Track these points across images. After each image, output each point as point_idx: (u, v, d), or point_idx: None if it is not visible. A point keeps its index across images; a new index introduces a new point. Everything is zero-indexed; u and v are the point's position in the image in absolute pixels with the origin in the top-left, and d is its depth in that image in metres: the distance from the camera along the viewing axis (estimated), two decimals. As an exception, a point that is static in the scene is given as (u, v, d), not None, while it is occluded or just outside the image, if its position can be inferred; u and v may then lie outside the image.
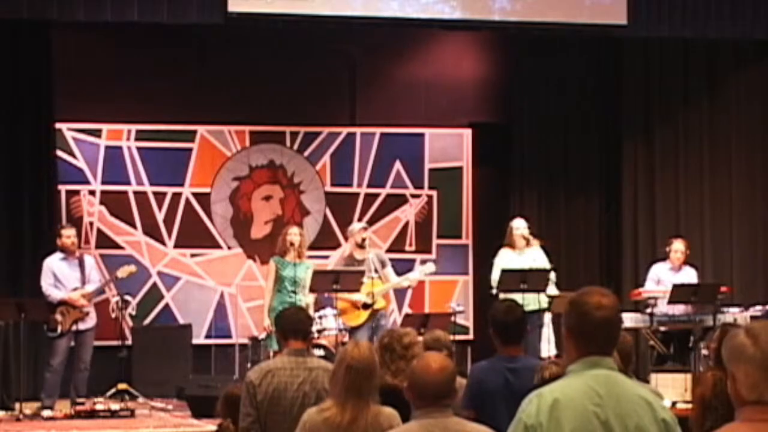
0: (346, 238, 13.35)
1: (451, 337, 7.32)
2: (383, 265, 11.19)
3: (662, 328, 11.65)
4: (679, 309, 11.69)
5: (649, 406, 3.41)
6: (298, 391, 5.49)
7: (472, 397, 5.80)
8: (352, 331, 11.04)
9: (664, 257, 12.12)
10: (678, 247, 11.98)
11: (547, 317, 11.58)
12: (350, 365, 4.70)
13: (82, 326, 10.99)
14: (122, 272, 11.40)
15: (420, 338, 6.46)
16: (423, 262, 12.82)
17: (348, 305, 11.02)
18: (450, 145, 13.90)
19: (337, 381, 4.74)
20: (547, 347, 11.50)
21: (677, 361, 11.56)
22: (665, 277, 11.87)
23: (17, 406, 10.74)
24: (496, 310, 5.96)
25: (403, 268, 12.35)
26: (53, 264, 11.08)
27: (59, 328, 10.88)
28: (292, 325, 5.71)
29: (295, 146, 13.56)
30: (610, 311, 3.45)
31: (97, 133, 13.10)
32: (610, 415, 3.34)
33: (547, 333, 11.56)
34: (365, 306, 11.03)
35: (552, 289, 11.39)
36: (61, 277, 11.04)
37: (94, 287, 11.15)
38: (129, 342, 12.29)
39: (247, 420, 5.50)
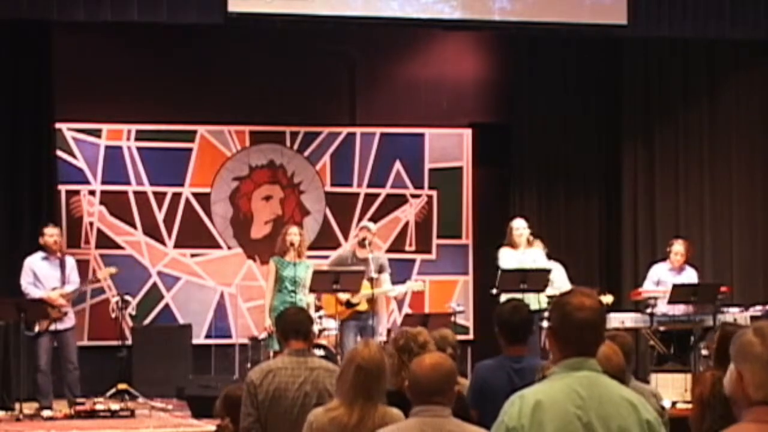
0: (346, 238, 13.38)
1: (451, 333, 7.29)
2: (381, 270, 11.16)
3: (662, 328, 11.64)
4: (679, 309, 11.69)
5: (633, 408, 3.40)
6: (299, 391, 5.49)
7: (475, 396, 5.79)
8: (340, 325, 11.06)
9: (664, 258, 12.13)
10: (678, 249, 11.97)
11: None
12: (360, 366, 4.67)
13: (60, 326, 10.93)
14: (102, 273, 11.39)
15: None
16: (422, 266, 12.86)
17: (332, 298, 11.06)
18: (450, 145, 13.89)
19: (345, 381, 4.71)
20: None
21: (677, 361, 11.56)
22: (665, 277, 11.87)
23: (17, 406, 10.72)
24: (502, 310, 5.96)
25: (403, 267, 12.37)
26: (34, 263, 11.04)
27: (36, 328, 10.84)
28: (293, 326, 5.70)
29: (295, 146, 13.56)
30: (591, 312, 3.43)
31: (97, 133, 13.10)
32: (593, 417, 3.32)
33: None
34: (348, 304, 11.04)
35: (566, 284, 11.42)
36: (41, 276, 11.00)
37: (73, 288, 11.11)
38: (129, 342, 12.28)
39: (248, 420, 5.49)
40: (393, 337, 5.91)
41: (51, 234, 11.10)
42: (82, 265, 12.35)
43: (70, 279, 11.12)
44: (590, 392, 3.35)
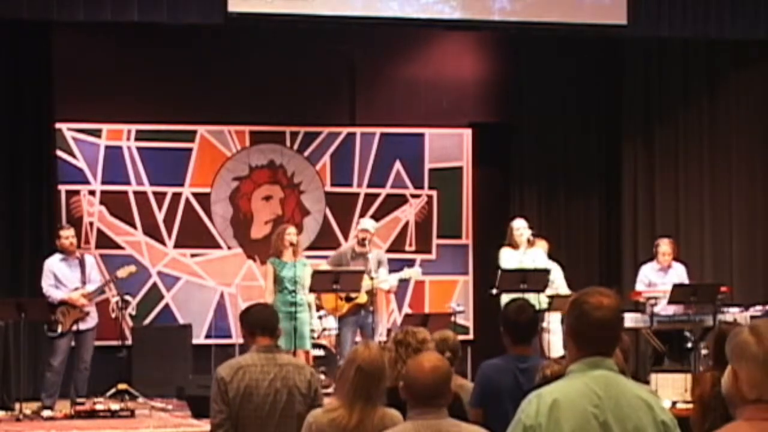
0: (346, 238, 13.38)
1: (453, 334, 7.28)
2: (379, 265, 11.23)
3: (658, 328, 11.64)
4: (677, 309, 11.71)
5: (649, 408, 3.41)
6: (269, 387, 5.46)
7: (481, 396, 5.77)
8: (339, 323, 11.09)
9: (651, 258, 12.19)
10: (665, 249, 12.06)
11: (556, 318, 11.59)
12: (360, 367, 4.66)
13: (82, 326, 10.98)
14: (122, 272, 11.39)
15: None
16: (423, 262, 12.87)
17: (331, 300, 11.08)
18: (450, 145, 13.89)
19: (345, 382, 4.70)
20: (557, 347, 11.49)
21: (672, 359, 11.57)
22: (654, 278, 11.98)
23: (17, 406, 10.72)
24: (508, 309, 5.96)
25: (403, 267, 12.33)
26: (53, 265, 11.06)
27: (59, 328, 10.87)
28: (259, 322, 5.66)
29: (295, 146, 13.56)
30: (609, 312, 3.43)
31: (97, 133, 13.10)
32: (609, 417, 3.33)
33: (548, 336, 11.55)
34: (348, 299, 11.08)
35: (564, 286, 11.46)
36: (61, 277, 11.02)
37: (95, 287, 11.15)
38: (129, 342, 12.28)
39: (219, 417, 5.46)
40: (394, 332, 5.89)
41: (66, 236, 11.12)
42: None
43: (91, 278, 11.14)
44: (607, 392, 3.36)
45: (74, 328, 10.91)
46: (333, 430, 4.63)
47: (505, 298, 11.35)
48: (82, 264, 11.12)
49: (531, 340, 5.96)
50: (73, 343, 11.01)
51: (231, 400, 5.44)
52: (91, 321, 11.10)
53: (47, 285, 10.98)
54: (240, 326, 5.82)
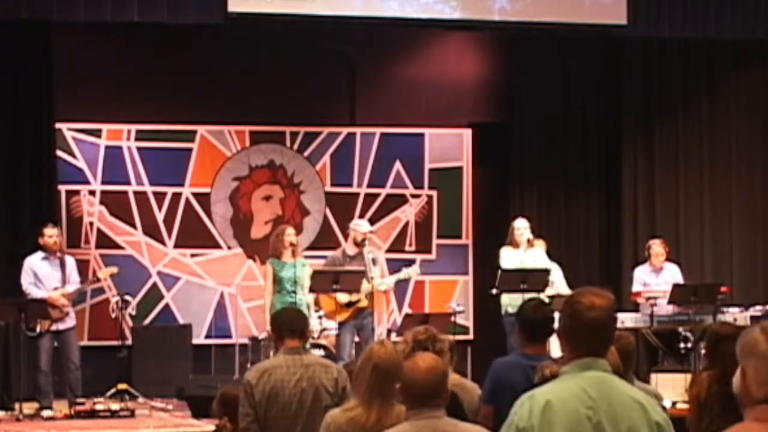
0: (346, 238, 13.37)
1: (452, 337, 7.26)
2: (374, 263, 11.21)
3: (659, 329, 11.64)
4: (675, 308, 11.71)
5: (642, 409, 3.39)
6: (296, 387, 5.53)
7: (492, 393, 5.76)
8: (339, 327, 11.09)
9: (644, 260, 12.21)
10: (658, 250, 12.10)
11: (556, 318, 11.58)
12: (377, 365, 4.67)
13: (61, 326, 10.90)
14: (103, 273, 11.38)
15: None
16: (422, 262, 12.87)
17: (331, 303, 11.07)
18: (450, 145, 13.90)
19: (362, 381, 4.71)
20: None
21: (672, 359, 11.58)
22: (648, 279, 12.00)
23: (17, 406, 10.72)
24: (524, 307, 6.02)
25: (401, 269, 12.35)
26: (34, 263, 11.02)
27: (38, 328, 10.83)
28: (288, 325, 5.77)
29: (295, 146, 13.56)
30: (602, 312, 3.42)
31: (97, 133, 13.10)
32: (602, 418, 3.32)
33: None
34: (350, 304, 11.07)
35: (564, 286, 11.46)
36: (41, 276, 10.97)
37: (74, 288, 11.08)
38: (129, 342, 12.27)
39: (246, 420, 5.53)
40: (416, 329, 5.83)
41: (50, 234, 11.07)
42: (82, 265, 12.34)
43: (71, 279, 11.10)
44: (600, 393, 3.35)
45: (53, 328, 10.85)
46: (351, 429, 4.64)
47: (505, 298, 11.39)
48: (62, 264, 11.06)
49: (545, 339, 5.98)
50: (56, 344, 10.96)
51: (257, 402, 5.52)
52: (70, 321, 11.02)
53: (27, 282, 10.94)
54: (271, 330, 5.89)
